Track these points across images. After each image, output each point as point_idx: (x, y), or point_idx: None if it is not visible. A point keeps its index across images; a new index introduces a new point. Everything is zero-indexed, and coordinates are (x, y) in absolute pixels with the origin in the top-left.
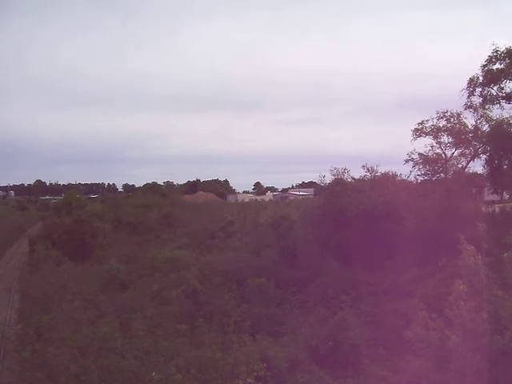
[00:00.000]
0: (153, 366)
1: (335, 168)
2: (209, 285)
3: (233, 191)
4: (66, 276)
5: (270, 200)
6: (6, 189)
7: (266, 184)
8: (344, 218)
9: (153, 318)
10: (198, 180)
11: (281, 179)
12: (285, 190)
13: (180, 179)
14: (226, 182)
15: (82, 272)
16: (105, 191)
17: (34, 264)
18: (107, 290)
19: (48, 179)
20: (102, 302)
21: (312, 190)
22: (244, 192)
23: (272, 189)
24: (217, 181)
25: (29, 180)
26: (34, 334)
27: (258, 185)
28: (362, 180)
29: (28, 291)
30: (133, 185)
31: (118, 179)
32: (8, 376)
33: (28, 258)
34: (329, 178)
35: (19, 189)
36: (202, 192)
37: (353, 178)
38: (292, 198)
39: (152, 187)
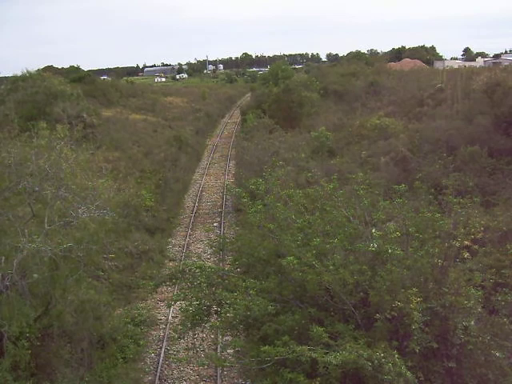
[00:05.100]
0: (373, 224)
1: None
2: (418, 153)
3: (440, 58)
4: (278, 143)
5: (481, 66)
6: (215, 63)
7: (475, 50)
8: None
9: (363, 183)
10: (403, 47)
11: (492, 44)
12: (497, 56)
13: (384, 47)
14: (433, 48)
15: (291, 139)
16: (308, 61)
17: (247, 132)
18: (316, 157)
19: (254, 52)
20: (312, 168)
21: None
22: (452, 59)
23: (482, 54)
24: (423, 47)
25: (235, 53)
26: (263, 192)
27: (467, 50)
28: None
29: (243, 158)
30: (336, 54)
31: (321, 49)
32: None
33: (241, 126)
34: None
35: (227, 62)
36: (407, 59)
37: None
38: (507, 63)
39: (356, 55)
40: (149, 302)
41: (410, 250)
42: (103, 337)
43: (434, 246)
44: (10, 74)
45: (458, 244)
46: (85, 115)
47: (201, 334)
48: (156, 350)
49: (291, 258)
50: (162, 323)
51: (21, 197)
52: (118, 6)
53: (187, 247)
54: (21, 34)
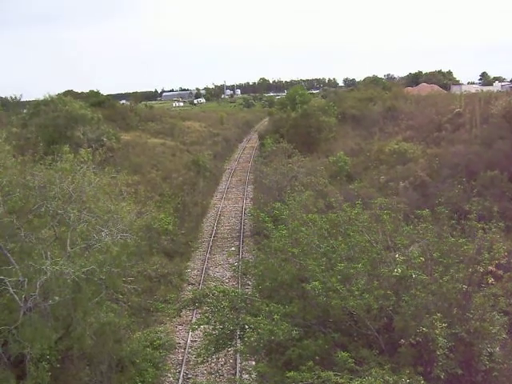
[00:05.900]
0: (396, 249)
1: None
2: (437, 177)
3: (457, 82)
4: (296, 167)
5: (499, 90)
6: (232, 88)
7: (492, 74)
8: None
9: (386, 207)
10: (420, 72)
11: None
12: None
13: (401, 71)
14: (450, 72)
15: (310, 164)
16: (325, 86)
17: (265, 156)
18: (334, 182)
19: (271, 77)
20: (331, 193)
21: None
22: (469, 83)
23: (499, 79)
24: (439, 72)
25: (253, 78)
26: (287, 217)
27: (484, 75)
28: None
29: (262, 182)
30: (353, 79)
31: (338, 74)
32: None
33: (259, 151)
34: None
35: (244, 87)
36: (424, 84)
37: None
38: None
39: (373, 80)
40: (168, 325)
41: (435, 274)
42: (122, 360)
43: (458, 271)
44: (33, 99)
45: (482, 269)
46: (105, 139)
47: (221, 359)
48: (175, 374)
49: (316, 283)
50: (180, 347)
51: (44, 219)
52: (137, 31)
53: (206, 271)
54: (42, 58)
